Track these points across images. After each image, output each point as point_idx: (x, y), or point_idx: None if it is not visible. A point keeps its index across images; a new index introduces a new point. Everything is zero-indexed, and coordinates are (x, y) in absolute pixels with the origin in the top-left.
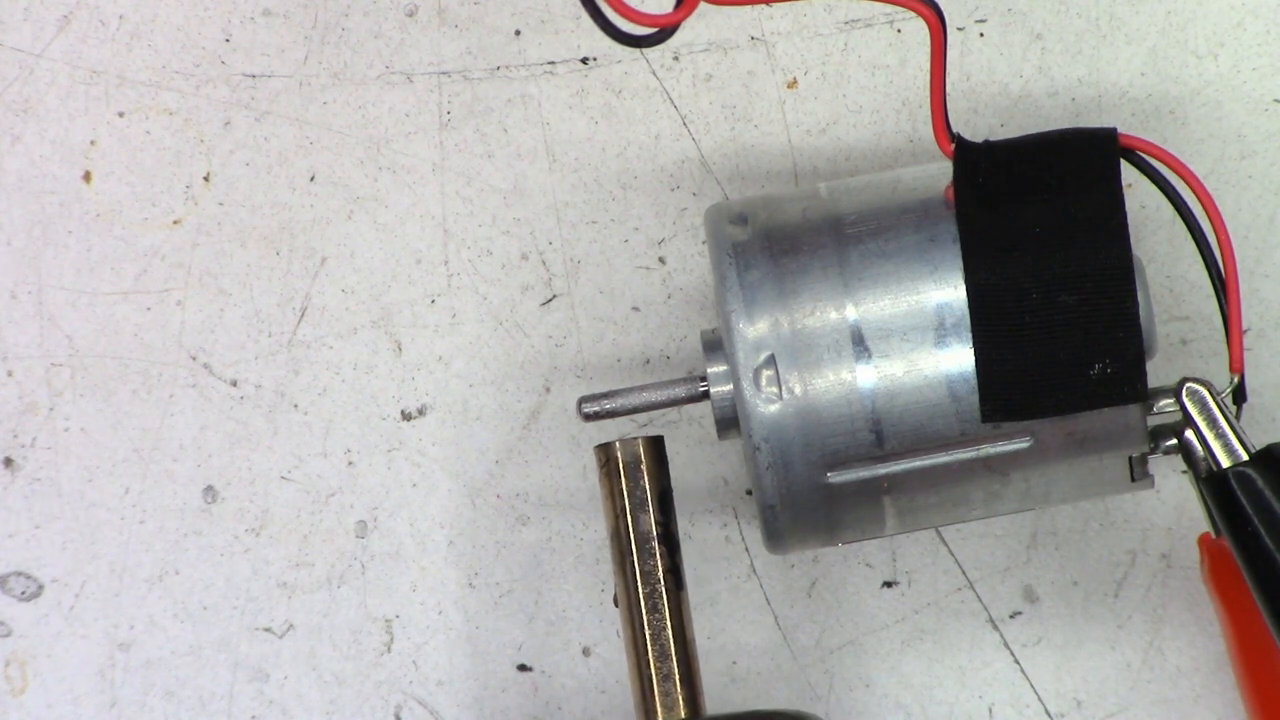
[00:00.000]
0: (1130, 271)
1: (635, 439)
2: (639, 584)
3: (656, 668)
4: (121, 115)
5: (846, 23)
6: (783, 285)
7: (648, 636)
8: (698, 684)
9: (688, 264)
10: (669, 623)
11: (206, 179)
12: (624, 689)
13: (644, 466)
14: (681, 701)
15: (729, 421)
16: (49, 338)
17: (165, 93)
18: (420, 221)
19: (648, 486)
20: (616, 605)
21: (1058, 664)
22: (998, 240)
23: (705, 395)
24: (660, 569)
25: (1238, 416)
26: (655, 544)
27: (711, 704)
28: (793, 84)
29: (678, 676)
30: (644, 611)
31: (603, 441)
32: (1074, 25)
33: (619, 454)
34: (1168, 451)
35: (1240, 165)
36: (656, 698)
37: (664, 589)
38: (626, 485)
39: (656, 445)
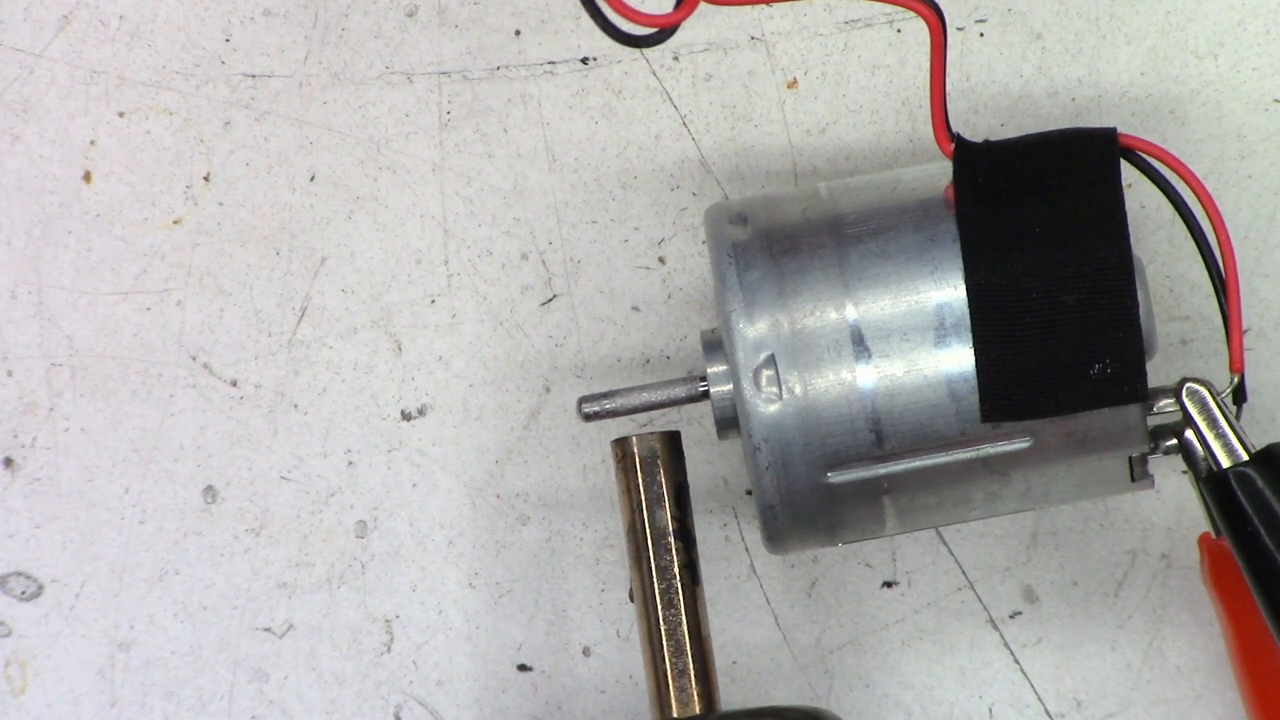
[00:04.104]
0: (1130, 271)
1: (652, 434)
2: (655, 579)
3: (672, 663)
4: (121, 115)
5: (846, 23)
6: (783, 285)
7: (663, 631)
8: (713, 679)
9: (688, 264)
10: (684, 618)
11: (206, 179)
12: (624, 689)
13: (660, 461)
14: (696, 697)
15: (729, 421)
16: (49, 338)
17: (165, 93)
18: (420, 221)
19: (664, 481)
20: (632, 600)
21: (1058, 664)
22: (998, 240)
23: (705, 395)
24: (676, 564)
25: (1238, 416)
26: (671, 539)
27: None
28: (793, 84)
29: (693, 672)
30: (660, 606)
31: (619, 436)
32: (1074, 25)
33: (635, 449)
34: (1168, 451)
35: (1240, 165)
36: (671, 693)
37: (680, 584)
38: (643, 480)
39: (673, 440)
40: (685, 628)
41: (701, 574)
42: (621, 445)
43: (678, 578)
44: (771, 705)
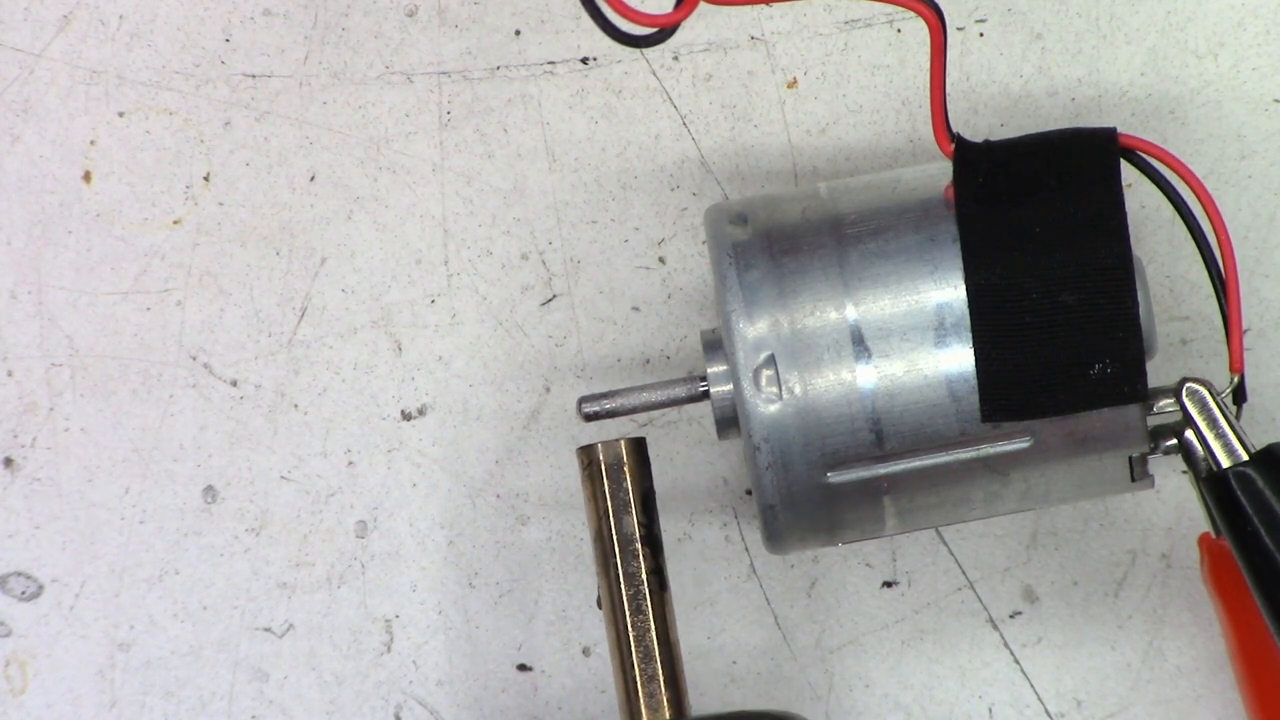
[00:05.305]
0: (1130, 271)
1: (617, 440)
2: (622, 586)
3: (641, 669)
4: (121, 115)
5: (846, 23)
6: (783, 285)
7: (632, 638)
8: (682, 685)
9: (688, 264)
10: (653, 624)
11: (206, 179)
12: None
13: (626, 468)
14: (666, 702)
15: (729, 421)
16: (49, 338)
17: (165, 93)
18: (420, 221)
19: (630, 488)
20: (600, 607)
21: (1058, 664)
22: (998, 240)
23: (705, 395)
24: (644, 570)
25: (1238, 416)
26: (638, 545)
27: (711, 704)
28: (793, 84)
29: (662, 678)
30: (628, 613)
31: (585, 444)
32: (1074, 25)
33: (601, 456)
34: (1168, 451)
35: (1240, 165)
36: (641, 699)
37: (647, 590)
38: (609, 487)
39: (639, 447)
40: (654, 634)
41: (674, 580)
42: (587, 452)
43: (645, 584)
44: (740, 710)
